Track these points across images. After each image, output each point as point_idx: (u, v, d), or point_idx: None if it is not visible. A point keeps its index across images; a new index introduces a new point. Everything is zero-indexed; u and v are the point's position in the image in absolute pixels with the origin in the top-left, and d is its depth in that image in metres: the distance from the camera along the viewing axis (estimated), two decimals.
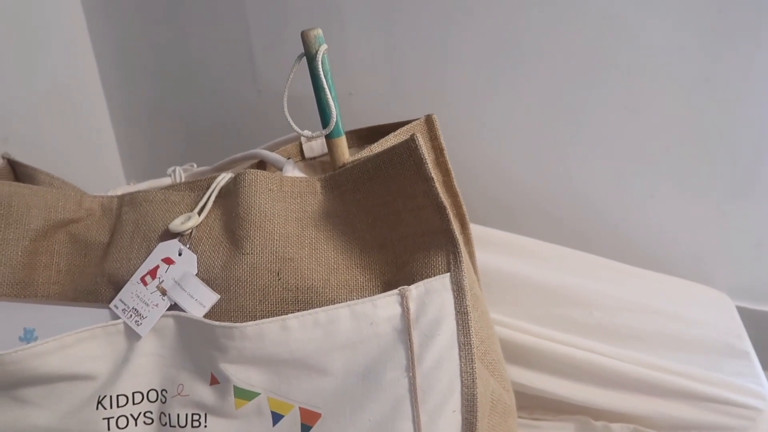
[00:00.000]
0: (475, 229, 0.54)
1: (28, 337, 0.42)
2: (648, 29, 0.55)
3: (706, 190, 0.60)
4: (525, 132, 0.63)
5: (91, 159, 0.84)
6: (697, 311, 0.59)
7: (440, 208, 0.39)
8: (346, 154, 0.45)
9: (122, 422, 0.41)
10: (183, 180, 0.54)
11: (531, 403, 0.57)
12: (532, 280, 0.59)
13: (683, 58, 0.55)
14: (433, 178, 0.39)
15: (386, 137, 0.46)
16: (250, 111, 0.76)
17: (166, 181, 0.55)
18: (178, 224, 0.43)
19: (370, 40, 0.65)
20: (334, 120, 0.43)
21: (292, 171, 0.46)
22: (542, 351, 0.55)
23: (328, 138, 0.44)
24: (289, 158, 0.48)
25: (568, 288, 0.59)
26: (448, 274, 0.39)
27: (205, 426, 0.41)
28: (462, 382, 0.39)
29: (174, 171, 0.56)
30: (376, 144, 0.45)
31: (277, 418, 0.40)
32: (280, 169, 0.48)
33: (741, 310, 0.61)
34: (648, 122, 0.59)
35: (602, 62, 0.57)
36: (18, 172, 0.50)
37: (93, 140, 0.84)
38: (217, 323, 0.40)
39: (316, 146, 0.52)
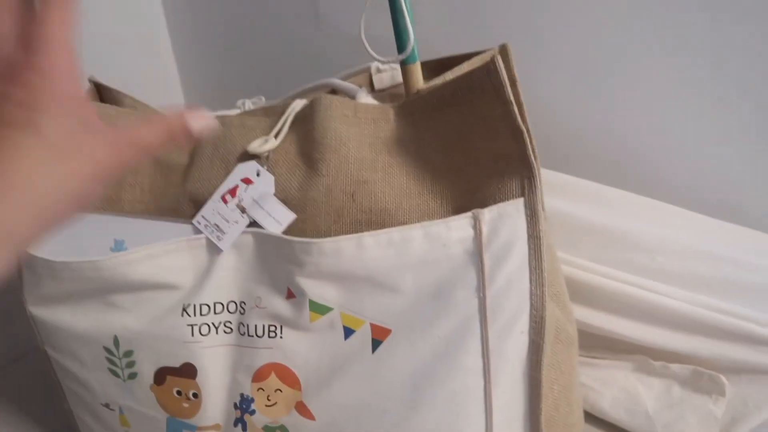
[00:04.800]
0: None
1: (119, 247, 0.44)
2: None
3: None
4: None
5: (157, 99, 0.87)
6: (765, 261, 0.57)
7: (517, 133, 0.39)
8: (420, 81, 0.45)
9: (204, 329, 0.44)
10: None
11: (589, 342, 0.57)
12: (593, 223, 0.59)
13: None
14: (512, 102, 0.39)
15: (460, 66, 0.46)
16: (313, 51, 0.76)
17: (236, 113, 0.57)
18: (256, 146, 0.44)
19: None
20: (411, 44, 0.43)
21: (366, 98, 0.47)
22: (601, 288, 0.55)
23: (403, 64, 0.44)
24: (361, 86, 0.49)
25: (632, 233, 0.58)
26: (522, 198, 0.40)
27: (281, 337, 0.43)
28: (531, 304, 0.40)
29: (243, 103, 0.58)
30: (449, 72, 0.45)
31: (348, 332, 0.42)
32: (353, 98, 0.48)
33: None
34: None
35: None
36: (103, 95, 0.52)
37: (158, 77, 0.87)
38: (296, 239, 0.41)
39: (385, 78, 0.52)
